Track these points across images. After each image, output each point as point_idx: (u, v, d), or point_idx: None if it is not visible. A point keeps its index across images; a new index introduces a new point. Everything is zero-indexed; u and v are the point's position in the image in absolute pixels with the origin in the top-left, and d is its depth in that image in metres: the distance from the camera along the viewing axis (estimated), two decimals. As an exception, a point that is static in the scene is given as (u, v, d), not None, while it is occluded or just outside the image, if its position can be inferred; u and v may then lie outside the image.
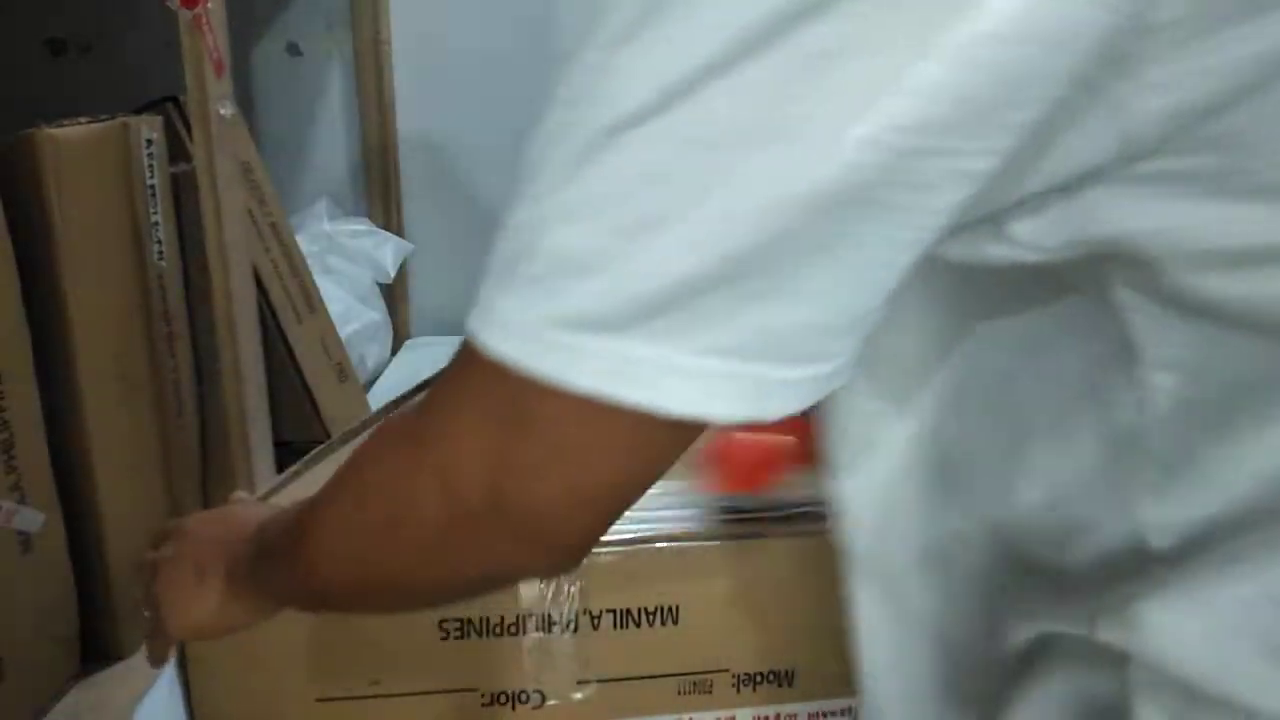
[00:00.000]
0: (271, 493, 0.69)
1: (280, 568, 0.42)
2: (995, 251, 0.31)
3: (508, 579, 0.42)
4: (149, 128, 1.00)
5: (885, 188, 0.26)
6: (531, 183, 0.29)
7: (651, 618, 0.63)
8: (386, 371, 1.58)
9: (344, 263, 1.57)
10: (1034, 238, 0.30)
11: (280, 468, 1.05)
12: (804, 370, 0.28)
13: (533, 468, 0.30)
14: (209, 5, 0.91)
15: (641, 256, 0.27)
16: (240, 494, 0.60)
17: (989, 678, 0.41)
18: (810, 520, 0.64)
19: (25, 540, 0.88)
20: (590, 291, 0.27)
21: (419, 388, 0.92)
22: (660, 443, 0.30)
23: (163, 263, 1.03)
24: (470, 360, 0.30)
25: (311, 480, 0.72)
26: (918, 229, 0.27)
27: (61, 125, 0.92)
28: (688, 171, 0.26)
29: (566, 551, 0.34)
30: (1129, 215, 0.29)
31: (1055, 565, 0.37)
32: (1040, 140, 0.27)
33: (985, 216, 0.29)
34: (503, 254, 0.30)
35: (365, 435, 0.80)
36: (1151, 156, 0.28)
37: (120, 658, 0.97)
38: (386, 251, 1.62)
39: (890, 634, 0.44)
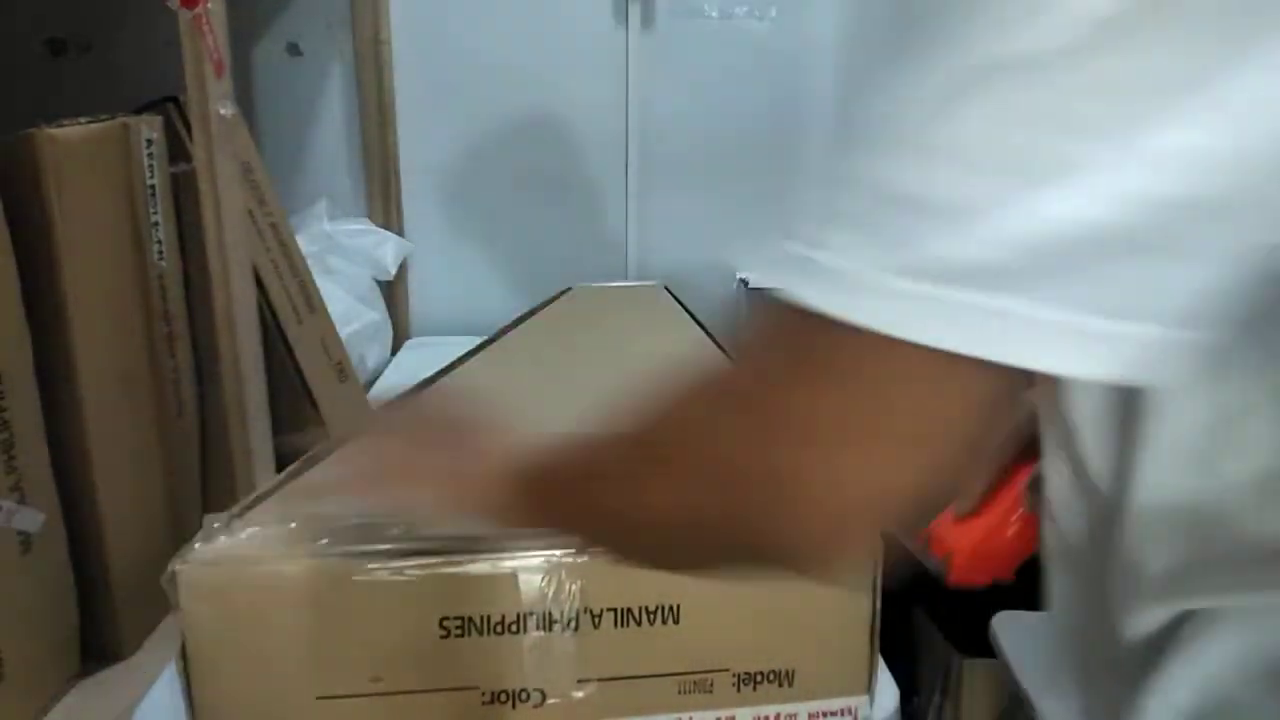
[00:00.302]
0: (267, 494, 0.69)
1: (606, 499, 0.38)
2: None
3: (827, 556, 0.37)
4: (149, 128, 1.00)
5: None
6: (874, 126, 0.27)
7: (652, 617, 0.63)
8: (386, 371, 1.58)
9: (344, 263, 1.57)
10: None
11: (280, 467, 1.05)
12: (1189, 333, 0.26)
13: (871, 426, 0.28)
14: (209, 5, 0.91)
15: (1037, 203, 0.25)
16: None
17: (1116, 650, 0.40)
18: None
19: (25, 540, 0.88)
20: (970, 239, 0.25)
21: (419, 387, 0.92)
22: (1008, 404, 0.28)
23: (163, 262, 1.02)
24: (801, 325, 0.28)
25: (312, 480, 0.72)
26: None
27: (61, 125, 0.91)
28: (1101, 116, 0.24)
29: (892, 514, 0.31)
30: None
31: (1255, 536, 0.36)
32: None
33: None
34: (836, 204, 0.28)
35: (366, 434, 0.80)
36: None
37: (120, 658, 0.97)
38: (387, 250, 1.62)
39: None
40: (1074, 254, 0.25)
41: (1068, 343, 0.26)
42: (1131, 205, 0.24)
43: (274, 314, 1.19)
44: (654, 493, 0.35)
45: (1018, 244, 0.25)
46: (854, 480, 0.29)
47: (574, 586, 0.62)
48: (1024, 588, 0.58)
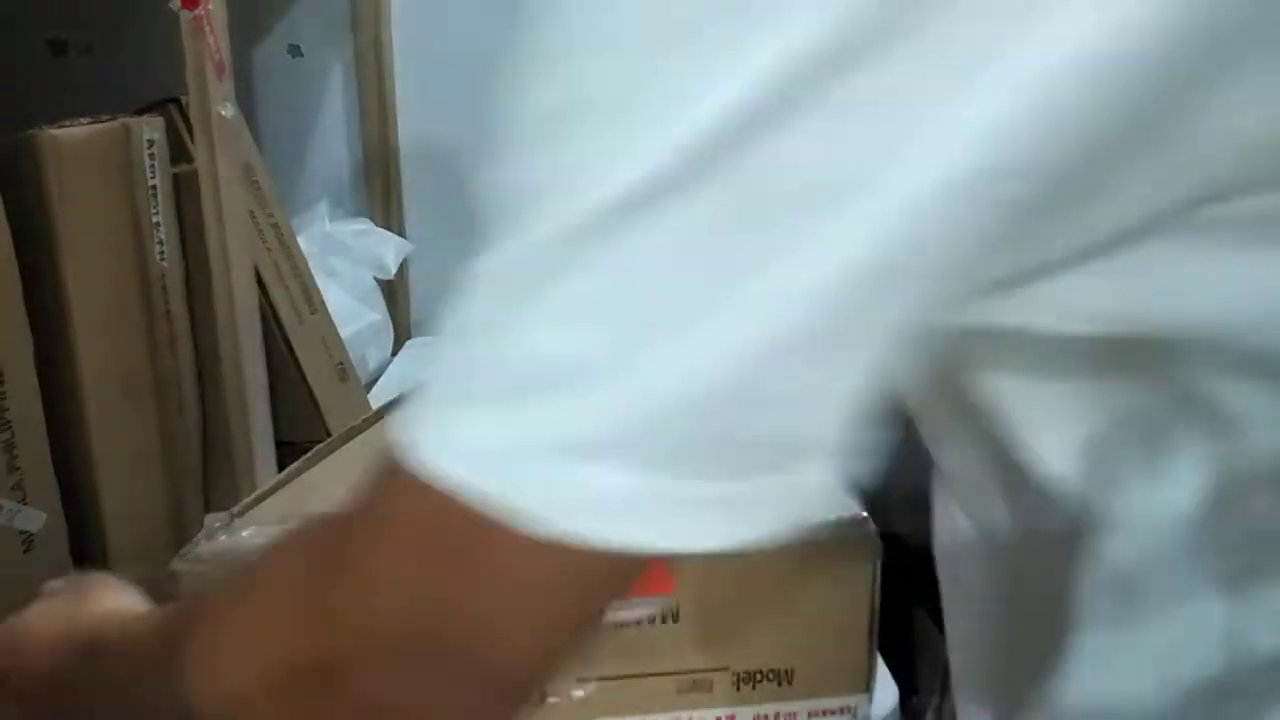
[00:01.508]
0: (267, 494, 0.70)
1: (141, 686, 0.34)
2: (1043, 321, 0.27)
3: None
4: (150, 128, 1.01)
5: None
6: (491, 274, 0.24)
7: (652, 616, 0.63)
8: (387, 371, 1.59)
9: (345, 263, 1.57)
10: (1085, 304, 0.26)
11: (282, 468, 1.05)
12: (826, 465, 0.25)
13: (482, 611, 0.25)
14: (210, 7, 0.92)
15: (651, 367, 0.22)
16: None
17: None
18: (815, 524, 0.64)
19: (27, 540, 0.88)
20: (581, 410, 0.23)
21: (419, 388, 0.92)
22: (633, 574, 0.26)
23: (164, 263, 1.03)
24: (402, 485, 0.25)
25: (311, 481, 0.72)
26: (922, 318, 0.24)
27: (63, 126, 0.92)
28: (710, 263, 0.22)
29: (502, 701, 0.27)
30: (1198, 270, 0.25)
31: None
32: (1075, 199, 0.23)
33: (1015, 279, 0.25)
34: (456, 359, 0.25)
35: (367, 432, 0.80)
36: (1230, 196, 0.23)
37: (121, 657, 0.97)
38: (388, 249, 1.62)
39: None
40: (690, 421, 0.23)
41: (694, 519, 0.24)
42: (748, 359, 0.22)
43: (275, 314, 1.20)
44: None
45: (632, 414, 0.22)
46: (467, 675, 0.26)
47: (574, 586, 0.62)
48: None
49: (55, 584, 0.51)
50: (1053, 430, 0.31)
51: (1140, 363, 0.28)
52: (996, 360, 0.30)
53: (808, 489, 0.25)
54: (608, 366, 0.22)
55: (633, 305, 0.22)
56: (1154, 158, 0.22)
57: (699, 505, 0.24)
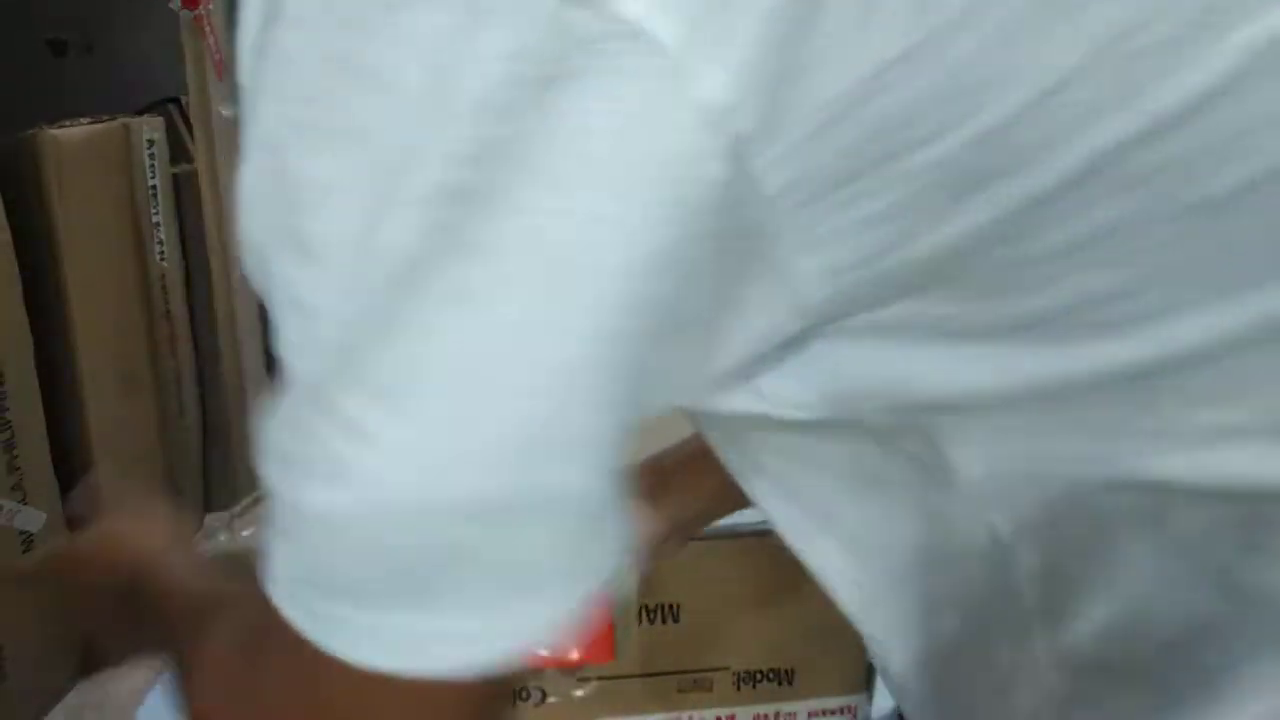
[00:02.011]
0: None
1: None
2: (759, 409, 0.29)
3: None
4: (150, 128, 1.01)
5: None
6: (272, 420, 0.27)
7: (652, 616, 0.63)
8: (387, 372, 1.59)
9: (345, 263, 1.57)
10: (789, 396, 0.29)
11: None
12: (557, 606, 0.26)
13: None
14: (210, 6, 0.92)
15: (359, 516, 0.25)
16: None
17: None
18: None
19: (27, 540, 0.88)
20: (320, 554, 0.25)
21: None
22: (454, 695, 0.27)
23: (164, 263, 1.03)
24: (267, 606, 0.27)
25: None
26: (617, 437, 0.25)
27: (63, 126, 0.92)
28: (388, 420, 0.24)
29: None
30: (862, 363, 0.28)
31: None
32: (715, 333, 0.26)
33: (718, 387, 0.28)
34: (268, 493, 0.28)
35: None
36: (845, 315, 0.26)
37: (122, 657, 0.97)
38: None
39: None
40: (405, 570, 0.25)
41: (446, 646, 0.25)
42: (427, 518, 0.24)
43: (275, 314, 1.20)
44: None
45: (364, 557, 0.25)
46: None
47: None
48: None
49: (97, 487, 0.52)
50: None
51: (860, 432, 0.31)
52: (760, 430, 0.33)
53: (540, 617, 0.26)
54: (338, 520, 0.25)
55: (345, 466, 0.24)
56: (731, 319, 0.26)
57: (430, 636, 0.25)
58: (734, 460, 0.36)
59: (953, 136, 0.24)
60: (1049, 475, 0.29)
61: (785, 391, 0.29)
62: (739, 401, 0.30)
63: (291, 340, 0.25)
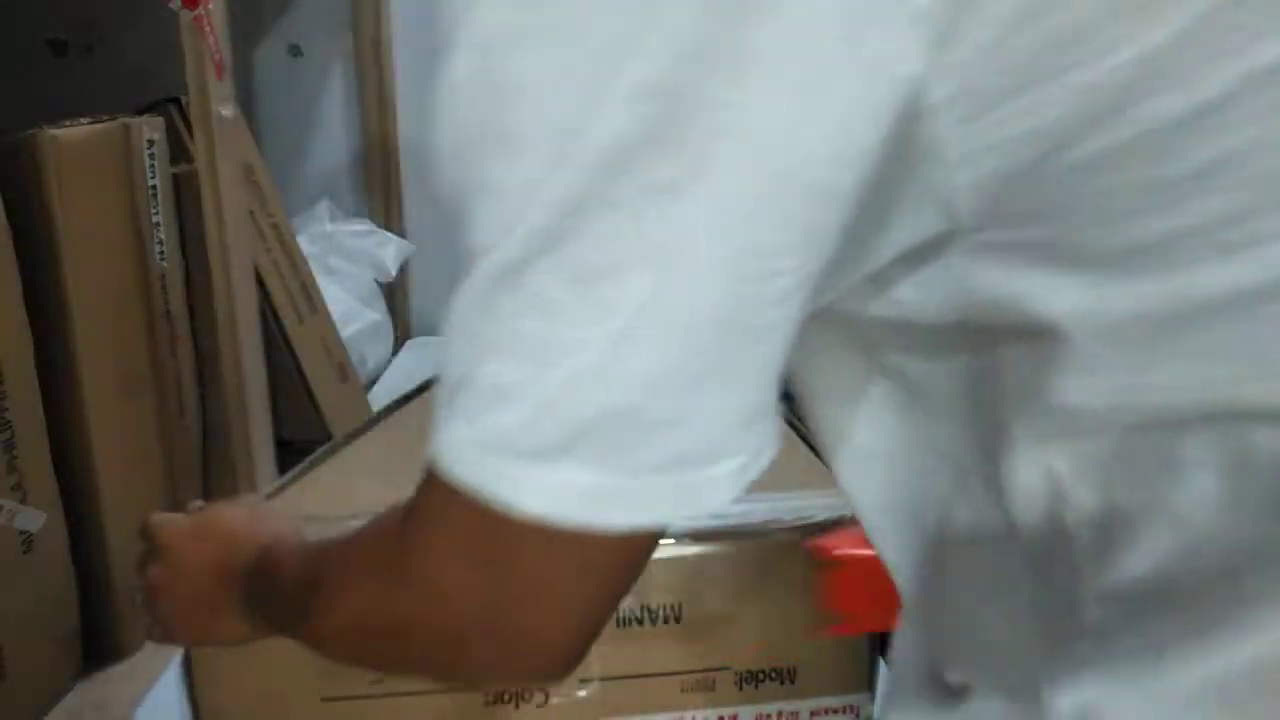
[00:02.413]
0: (275, 493, 0.70)
1: (288, 620, 0.42)
2: (883, 311, 0.32)
3: (511, 683, 0.42)
4: (150, 128, 1.01)
5: (753, 311, 0.27)
6: (458, 309, 0.29)
7: (654, 616, 0.63)
8: (387, 371, 1.59)
9: (345, 263, 1.57)
10: (915, 299, 0.31)
11: (282, 468, 1.05)
12: (731, 462, 0.29)
13: (512, 597, 0.31)
14: (210, 6, 0.92)
15: (559, 387, 0.27)
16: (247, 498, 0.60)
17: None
18: (815, 525, 0.64)
19: (27, 540, 0.88)
20: (519, 422, 0.28)
21: (420, 389, 0.92)
22: (620, 553, 0.30)
23: (164, 263, 1.03)
24: (435, 486, 0.30)
25: (313, 482, 0.72)
26: (787, 333, 0.28)
27: (63, 126, 0.92)
28: (586, 300, 0.27)
29: (556, 665, 0.33)
30: (990, 280, 0.30)
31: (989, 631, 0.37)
32: (867, 231, 0.28)
33: (852, 287, 0.31)
34: (447, 380, 0.30)
35: (369, 433, 0.80)
36: (982, 229, 0.28)
37: (122, 657, 0.97)
38: (388, 251, 1.62)
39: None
40: (599, 427, 0.27)
41: (629, 501, 0.28)
42: (626, 382, 0.27)
43: (275, 314, 1.20)
44: (324, 630, 0.38)
45: (556, 424, 0.28)
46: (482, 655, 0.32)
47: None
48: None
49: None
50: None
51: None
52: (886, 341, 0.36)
53: (721, 480, 0.29)
54: (539, 390, 0.27)
55: (545, 342, 0.27)
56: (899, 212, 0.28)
57: (639, 493, 0.28)
58: (857, 364, 0.37)
59: (1120, 53, 0.25)
60: (1138, 407, 0.30)
61: (913, 298, 0.31)
62: (874, 306, 0.32)
63: (486, 229, 0.27)
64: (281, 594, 0.44)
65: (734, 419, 0.29)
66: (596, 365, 0.27)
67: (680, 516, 0.29)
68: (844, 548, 0.63)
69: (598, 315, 0.27)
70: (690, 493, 0.29)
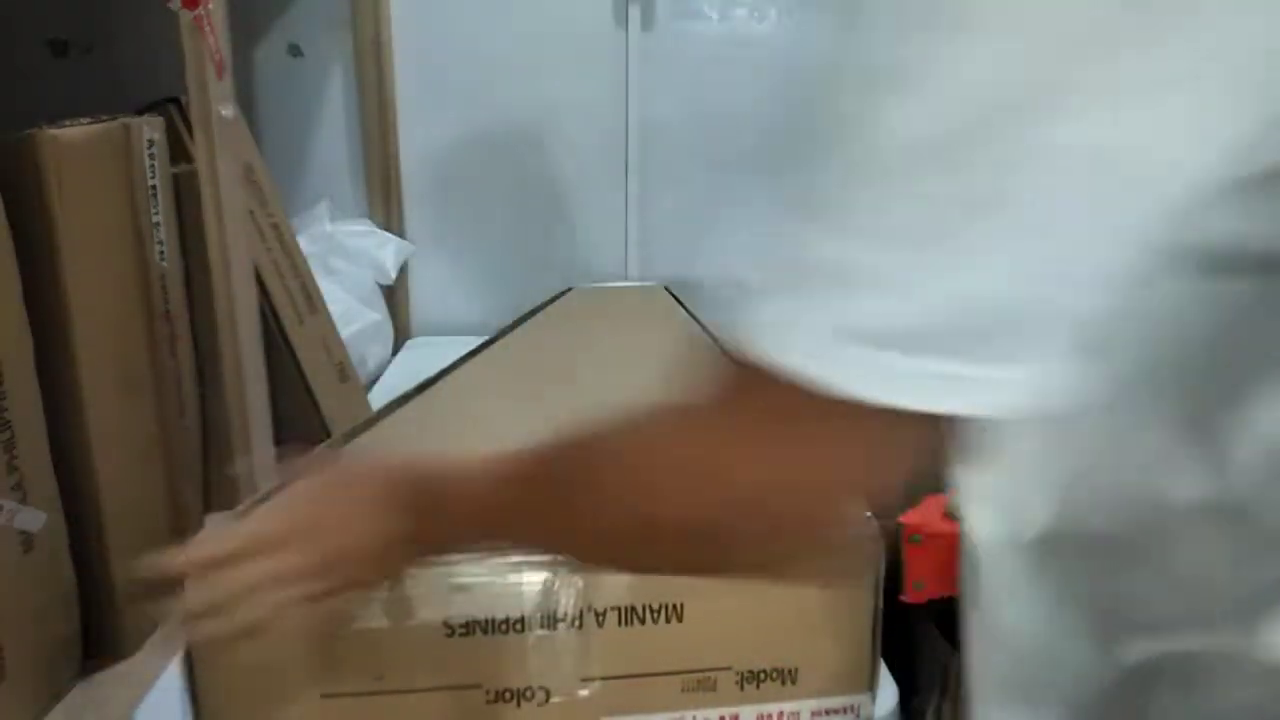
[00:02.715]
0: (270, 495, 0.69)
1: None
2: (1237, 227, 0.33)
3: None
4: (150, 128, 1.00)
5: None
6: (811, 195, 0.31)
7: (655, 615, 0.63)
8: (387, 371, 1.58)
9: (345, 264, 1.57)
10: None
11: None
12: (1074, 361, 0.31)
13: (821, 481, 0.34)
14: (210, 6, 0.91)
15: (940, 281, 0.29)
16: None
17: (1083, 689, 0.42)
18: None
19: (26, 540, 0.88)
20: (894, 311, 0.30)
21: (419, 388, 0.92)
22: (934, 438, 0.32)
23: (164, 263, 1.03)
24: (752, 376, 0.32)
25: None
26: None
27: (63, 126, 0.91)
28: (991, 200, 0.29)
29: (834, 520, 0.36)
30: None
31: (1206, 575, 0.38)
32: None
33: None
34: (783, 263, 0.32)
35: (368, 433, 0.80)
36: None
37: (122, 657, 0.97)
38: (388, 252, 1.62)
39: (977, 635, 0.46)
40: (973, 321, 0.30)
41: (996, 389, 0.30)
42: (1012, 284, 0.29)
43: (275, 314, 1.19)
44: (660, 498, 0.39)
45: (937, 314, 0.30)
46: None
47: (578, 585, 0.62)
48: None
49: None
50: None
51: None
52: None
53: (1044, 379, 0.31)
54: (905, 279, 0.30)
55: (925, 235, 0.29)
56: None
57: (971, 383, 0.30)
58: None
59: None
60: None
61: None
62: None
63: (908, 114, 0.29)
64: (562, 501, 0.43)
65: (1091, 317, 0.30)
66: (997, 263, 0.29)
67: (1034, 407, 0.31)
68: (929, 526, 0.76)
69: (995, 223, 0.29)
70: (1044, 384, 0.30)
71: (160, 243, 1.02)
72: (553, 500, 0.43)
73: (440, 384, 0.93)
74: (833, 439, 0.32)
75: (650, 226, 1.79)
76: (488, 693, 0.63)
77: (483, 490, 0.46)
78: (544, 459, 0.44)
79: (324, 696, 0.61)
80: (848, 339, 0.30)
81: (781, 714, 0.66)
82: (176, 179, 1.04)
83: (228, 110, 0.95)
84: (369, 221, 1.68)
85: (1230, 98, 0.28)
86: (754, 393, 0.33)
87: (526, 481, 0.45)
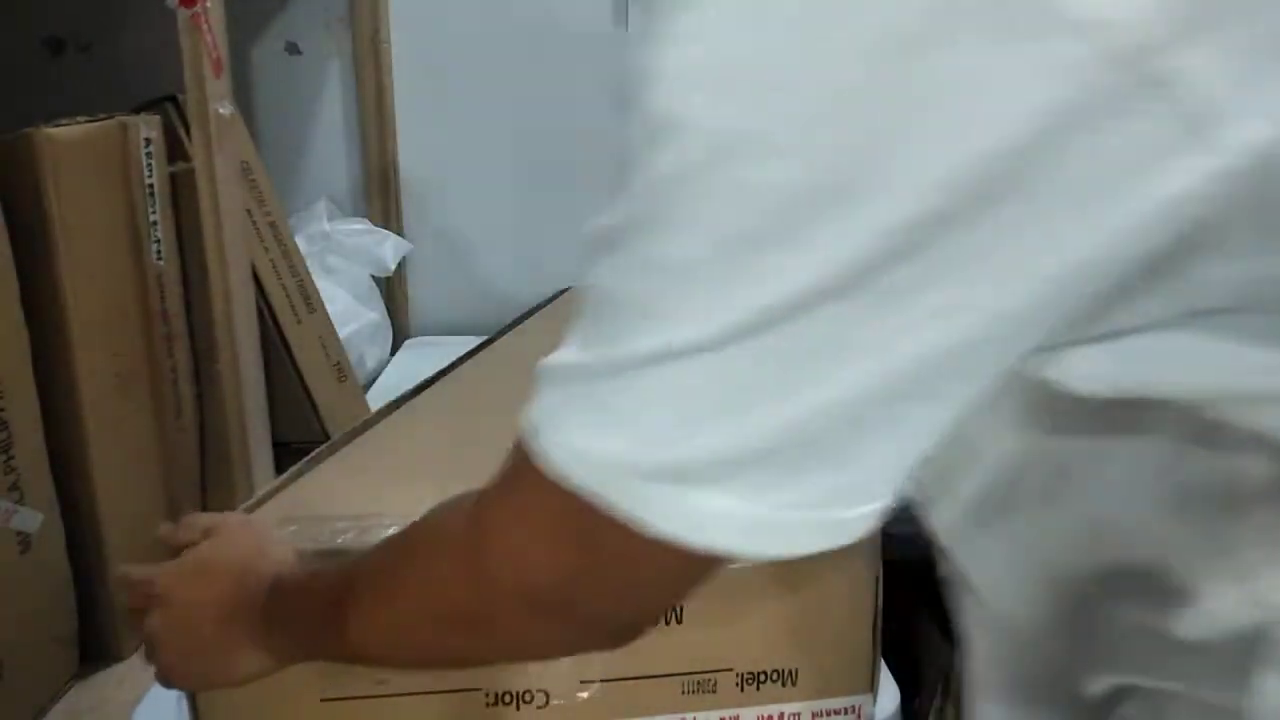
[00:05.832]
0: (269, 496, 0.69)
1: (317, 638, 0.45)
2: (1056, 376, 0.33)
3: (565, 655, 0.49)
4: (147, 127, 1.00)
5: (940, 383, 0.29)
6: (605, 326, 0.31)
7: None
8: (386, 371, 1.58)
9: (343, 263, 1.57)
10: (1089, 372, 0.32)
11: (279, 468, 1.05)
12: (870, 506, 0.31)
13: (602, 587, 0.33)
14: (208, 4, 0.91)
15: (724, 432, 0.29)
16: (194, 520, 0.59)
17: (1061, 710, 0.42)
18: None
19: (24, 540, 0.88)
20: (676, 445, 0.29)
21: (419, 388, 0.92)
22: (713, 562, 0.32)
23: (161, 262, 1.02)
24: (531, 473, 0.31)
25: (310, 482, 0.71)
26: (960, 405, 0.30)
27: (60, 124, 0.91)
28: (772, 379, 0.28)
29: (618, 644, 0.37)
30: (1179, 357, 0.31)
31: (1155, 627, 0.37)
32: (1096, 314, 0.29)
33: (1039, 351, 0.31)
34: (580, 375, 0.31)
35: (368, 433, 0.79)
36: (1211, 312, 0.30)
37: (120, 658, 0.97)
38: (386, 248, 1.61)
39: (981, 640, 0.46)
40: (757, 463, 0.29)
41: (771, 531, 0.30)
42: (793, 435, 0.29)
43: (273, 314, 1.19)
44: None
45: (715, 454, 0.29)
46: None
47: (577, 587, 0.62)
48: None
49: (191, 521, 0.58)
50: None
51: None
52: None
53: (856, 520, 0.31)
54: (697, 428, 0.29)
55: (724, 398, 0.29)
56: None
57: (773, 525, 0.30)
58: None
59: None
60: None
61: (1098, 368, 0.32)
62: (1049, 369, 0.32)
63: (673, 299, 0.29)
64: (312, 612, 0.45)
65: (887, 474, 0.30)
66: (773, 417, 0.29)
67: (816, 549, 0.31)
68: None
69: (789, 385, 0.28)
70: (832, 529, 0.30)
71: (157, 241, 1.02)
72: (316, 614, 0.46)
73: (439, 384, 0.92)
74: None
75: (649, 225, 1.78)
76: (487, 695, 0.62)
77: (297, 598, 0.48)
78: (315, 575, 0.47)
79: (324, 700, 0.60)
80: (645, 474, 0.30)
81: (782, 715, 0.66)
82: (174, 177, 1.04)
83: (225, 108, 0.95)
84: (366, 220, 1.68)
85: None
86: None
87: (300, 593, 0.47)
